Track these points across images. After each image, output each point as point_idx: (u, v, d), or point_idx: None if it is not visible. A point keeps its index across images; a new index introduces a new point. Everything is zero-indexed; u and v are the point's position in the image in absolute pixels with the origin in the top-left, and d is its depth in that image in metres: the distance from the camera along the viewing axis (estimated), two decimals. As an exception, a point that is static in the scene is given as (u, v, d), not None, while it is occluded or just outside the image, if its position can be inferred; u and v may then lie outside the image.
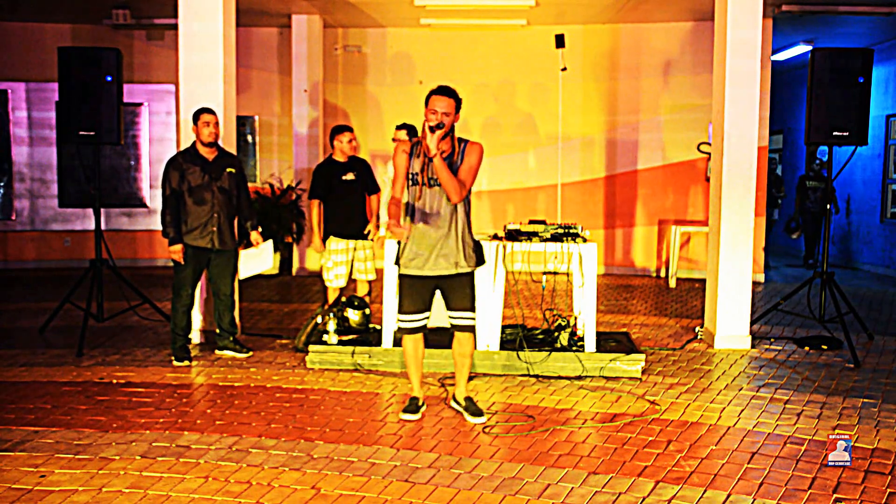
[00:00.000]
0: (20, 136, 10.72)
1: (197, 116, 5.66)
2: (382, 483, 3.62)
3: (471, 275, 4.44)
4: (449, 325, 4.51)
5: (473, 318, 4.47)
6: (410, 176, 4.33)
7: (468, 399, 4.57)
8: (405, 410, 4.53)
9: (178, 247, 5.63)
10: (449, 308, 4.46)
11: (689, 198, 10.42)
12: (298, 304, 8.18)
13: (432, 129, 4.12)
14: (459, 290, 4.40)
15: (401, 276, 4.45)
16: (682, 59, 10.30)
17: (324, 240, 6.37)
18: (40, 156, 10.76)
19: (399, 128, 6.45)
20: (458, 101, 4.24)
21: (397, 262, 4.39)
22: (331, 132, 6.35)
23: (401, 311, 4.47)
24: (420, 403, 4.59)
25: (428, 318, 4.51)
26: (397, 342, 5.68)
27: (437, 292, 4.48)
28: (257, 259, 6.10)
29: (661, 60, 10.37)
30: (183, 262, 5.67)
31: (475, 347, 4.59)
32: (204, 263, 5.81)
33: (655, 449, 4.06)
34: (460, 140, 4.32)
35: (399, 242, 4.40)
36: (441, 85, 4.24)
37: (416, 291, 4.42)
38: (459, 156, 4.28)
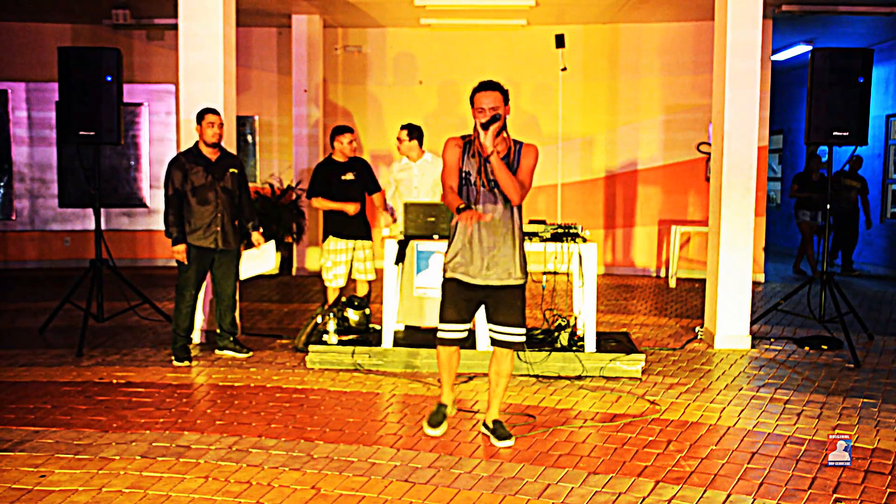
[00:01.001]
0: (20, 136, 10.72)
1: (201, 116, 5.66)
2: (382, 483, 3.62)
3: (522, 287, 4.08)
4: (490, 341, 4.18)
5: (521, 335, 4.10)
6: (464, 176, 3.98)
7: (497, 423, 4.18)
8: (430, 422, 4.24)
9: (182, 247, 5.63)
10: (492, 321, 4.09)
11: (689, 198, 10.42)
12: (298, 304, 8.18)
13: (485, 126, 3.78)
14: (509, 303, 4.04)
15: (446, 281, 4.09)
16: (682, 59, 10.30)
17: (323, 239, 6.38)
18: (40, 156, 10.76)
19: (404, 128, 6.38)
20: (505, 94, 3.91)
21: (398, 262, 4.28)
22: (331, 132, 6.35)
23: (442, 319, 4.11)
24: (447, 411, 4.32)
25: (469, 329, 4.17)
26: (397, 342, 5.69)
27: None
28: (259, 259, 6.10)
29: (661, 60, 10.37)
30: (186, 263, 5.67)
31: (513, 368, 4.22)
32: (208, 264, 5.80)
33: (655, 449, 4.06)
34: (516, 141, 4.03)
35: (450, 245, 4.06)
36: (482, 80, 3.94)
37: (462, 299, 4.06)
38: (516, 156, 3.97)
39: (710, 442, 4.17)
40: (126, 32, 10.54)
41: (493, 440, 4.12)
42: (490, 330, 4.13)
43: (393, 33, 10.70)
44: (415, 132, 6.37)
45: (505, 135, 3.96)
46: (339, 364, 5.60)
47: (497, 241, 3.97)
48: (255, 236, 5.99)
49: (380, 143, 10.62)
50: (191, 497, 3.46)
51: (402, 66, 10.72)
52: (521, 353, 5.43)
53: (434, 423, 4.24)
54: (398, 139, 6.39)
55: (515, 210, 4.00)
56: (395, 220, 6.51)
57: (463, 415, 4.59)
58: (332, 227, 6.32)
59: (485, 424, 4.24)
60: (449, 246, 4.10)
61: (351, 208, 6.19)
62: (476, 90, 3.90)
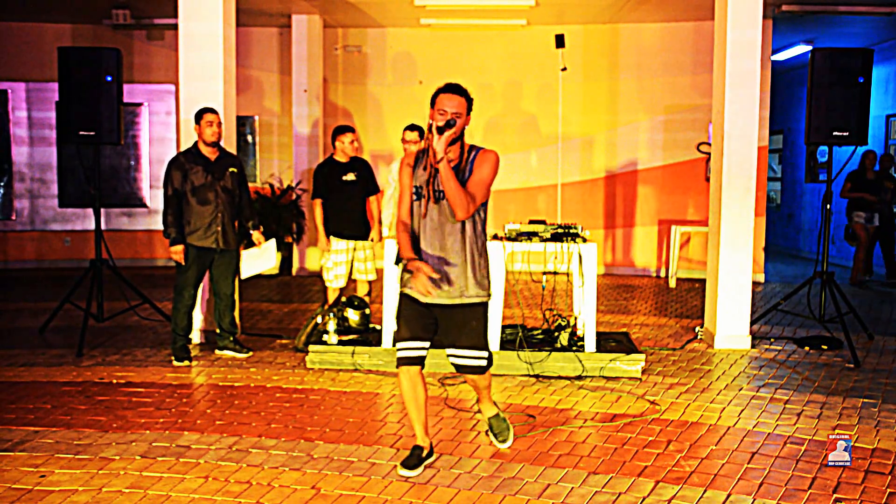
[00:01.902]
0: (20, 136, 10.72)
1: (200, 116, 5.66)
2: (382, 483, 3.62)
3: (481, 306, 3.72)
4: (452, 366, 3.84)
5: (482, 358, 3.74)
6: (415, 189, 3.67)
7: (493, 418, 4.06)
8: (404, 464, 3.73)
9: (180, 247, 5.63)
10: (450, 345, 3.76)
11: (689, 198, 10.42)
12: (298, 304, 8.18)
13: (440, 130, 3.48)
14: (462, 323, 3.69)
15: (401, 296, 3.79)
16: (682, 59, 10.30)
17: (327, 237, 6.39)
18: (40, 156, 10.76)
19: (409, 129, 6.26)
20: (470, 101, 3.62)
21: (398, 262, 4.08)
22: (333, 132, 6.35)
23: (397, 337, 3.79)
24: (424, 455, 3.80)
25: (426, 348, 3.76)
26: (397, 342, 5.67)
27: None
28: (260, 259, 6.10)
29: (661, 60, 10.37)
30: (184, 263, 5.67)
31: (490, 380, 3.91)
32: (207, 263, 5.80)
33: (655, 449, 4.06)
34: (472, 147, 3.68)
35: (399, 258, 3.73)
36: (449, 82, 3.65)
37: (416, 315, 3.72)
38: (468, 165, 3.62)
39: (710, 442, 4.17)
40: (126, 32, 10.54)
41: (494, 442, 4.06)
42: (448, 354, 3.79)
43: (393, 33, 10.70)
44: (418, 130, 6.30)
45: (461, 143, 3.64)
46: (339, 364, 5.60)
47: (447, 257, 3.64)
48: (256, 235, 5.99)
49: (380, 143, 10.62)
50: (191, 497, 3.46)
51: (401, 66, 10.72)
52: (521, 353, 5.43)
53: (408, 466, 3.75)
54: (403, 140, 6.33)
55: (470, 222, 3.64)
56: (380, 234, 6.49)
57: (463, 415, 4.59)
58: (333, 227, 6.32)
59: (489, 428, 4.10)
60: (403, 263, 3.74)
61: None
62: (440, 90, 3.60)
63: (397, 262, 3.88)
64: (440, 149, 3.48)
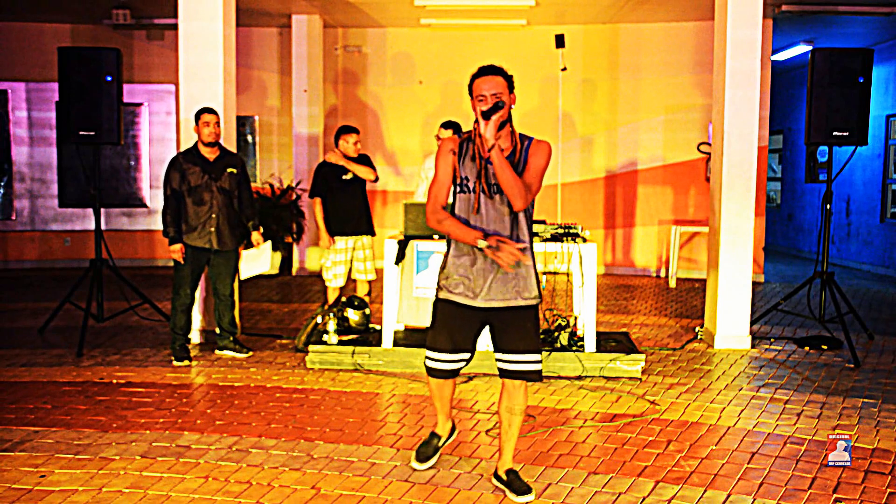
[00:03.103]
0: (20, 136, 10.72)
1: (198, 116, 5.67)
2: (382, 483, 3.62)
3: (535, 308, 3.45)
4: (500, 371, 3.46)
5: (537, 363, 3.41)
6: (460, 182, 3.35)
7: (511, 473, 3.51)
8: (418, 455, 3.74)
9: (178, 246, 5.64)
10: (501, 349, 3.41)
11: (689, 198, 10.42)
12: (298, 304, 8.18)
13: (486, 115, 3.17)
14: (518, 325, 3.38)
15: (439, 301, 3.47)
16: (682, 59, 10.30)
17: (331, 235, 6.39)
18: (40, 156, 10.76)
19: (445, 126, 6.18)
20: (509, 78, 3.35)
21: (398, 262, 3.92)
22: (337, 131, 6.35)
23: (432, 347, 3.48)
24: (440, 444, 3.78)
25: (467, 360, 3.50)
26: (397, 342, 5.68)
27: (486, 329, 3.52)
28: (257, 260, 6.11)
29: (661, 60, 10.36)
30: (183, 262, 5.68)
31: (527, 403, 3.50)
32: (203, 263, 5.81)
33: (655, 449, 4.06)
34: (524, 137, 3.41)
35: (400, 257, 3.62)
36: (482, 65, 3.37)
37: (458, 325, 3.41)
38: (522, 154, 3.34)
39: (710, 442, 4.17)
40: (126, 32, 10.54)
41: (510, 494, 3.45)
42: (500, 360, 3.43)
43: (393, 33, 10.70)
44: (453, 127, 6.27)
45: (510, 129, 3.35)
46: (339, 364, 5.60)
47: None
48: (255, 236, 5.99)
49: (380, 143, 10.62)
50: (191, 497, 3.46)
51: (401, 66, 10.72)
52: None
53: (422, 458, 3.74)
54: (438, 138, 6.25)
55: (523, 217, 3.38)
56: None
57: (463, 415, 4.59)
58: (334, 226, 6.32)
59: (496, 476, 3.56)
60: (445, 261, 3.47)
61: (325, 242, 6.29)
62: (475, 76, 3.33)
63: (398, 262, 3.81)
64: (490, 135, 3.18)
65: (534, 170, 3.33)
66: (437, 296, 3.49)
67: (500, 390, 3.51)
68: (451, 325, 3.44)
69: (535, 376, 3.42)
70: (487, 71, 3.32)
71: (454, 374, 3.52)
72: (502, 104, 3.22)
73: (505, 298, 3.37)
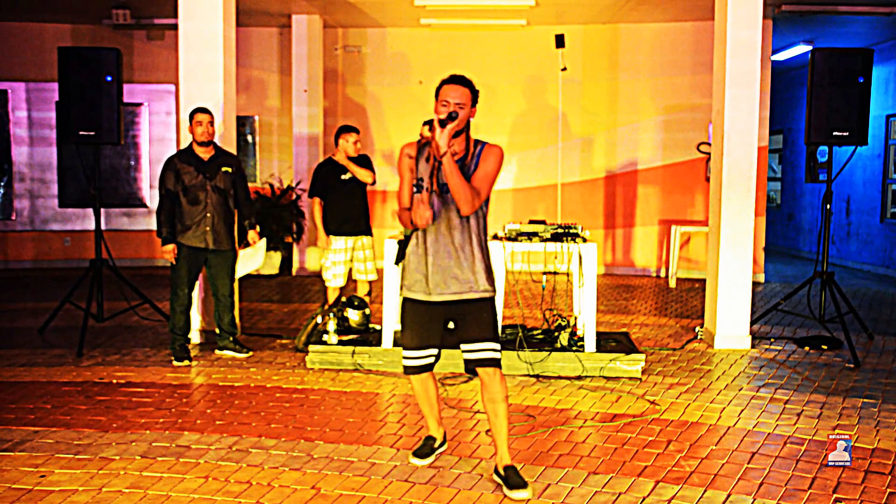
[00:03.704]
0: (20, 136, 10.72)
1: (191, 116, 5.68)
2: (382, 483, 3.62)
3: (491, 300, 3.61)
4: (465, 363, 3.62)
5: (496, 350, 3.57)
6: (416, 182, 3.56)
7: (510, 470, 3.56)
8: (416, 453, 3.89)
9: (171, 247, 5.65)
10: (464, 340, 3.59)
11: (689, 198, 10.42)
12: (298, 304, 8.18)
13: (442, 123, 3.38)
14: (474, 318, 3.57)
15: (404, 302, 3.68)
16: (682, 59, 10.30)
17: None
18: (40, 156, 10.76)
19: (427, 124, 6.21)
20: (475, 93, 3.51)
21: (398, 262, 4.00)
22: (337, 131, 6.35)
23: (403, 345, 3.71)
24: (437, 445, 3.94)
25: (436, 355, 3.71)
26: (397, 342, 5.68)
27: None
28: (252, 259, 6.11)
29: (661, 60, 10.37)
30: (176, 262, 5.68)
31: (507, 390, 3.60)
32: (200, 263, 5.81)
33: (655, 449, 4.06)
34: (476, 142, 3.59)
35: (400, 257, 3.73)
36: (454, 74, 3.54)
37: (421, 321, 3.63)
38: (474, 159, 3.53)
39: (710, 442, 4.17)
40: (126, 32, 10.54)
41: (506, 490, 3.51)
42: (464, 350, 3.60)
43: (393, 33, 10.71)
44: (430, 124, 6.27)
45: (466, 136, 3.55)
46: (339, 364, 5.60)
47: (454, 252, 3.53)
48: (252, 235, 5.99)
49: (379, 143, 10.62)
50: (191, 497, 3.46)
51: (401, 66, 10.72)
52: (521, 353, 5.43)
53: (420, 455, 3.90)
54: (421, 135, 6.26)
55: (474, 217, 3.56)
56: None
57: (463, 415, 4.59)
58: (333, 226, 6.32)
59: (496, 471, 3.64)
60: (403, 265, 3.70)
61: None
62: (445, 82, 3.50)
63: (398, 262, 3.82)
64: (443, 142, 3.37)
65: (483, 174, 3.52)
66: (401, 295, 3.70)
67: (480, 387, 3.63)
68: (415, 323, 3.65)
69: (495, 363, 3.57)
70: (457, 80, 3.50)
71: (426, 369, 3.72)
72: (456, 115, 3.40)
73: (459, 292, 3.55)
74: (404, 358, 3.71)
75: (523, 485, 3.50)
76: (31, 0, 9.42)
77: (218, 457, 3.92)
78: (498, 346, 3.59)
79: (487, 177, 3.52)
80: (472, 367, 3.59)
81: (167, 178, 5.66)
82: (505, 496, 3.48)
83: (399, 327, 6.02)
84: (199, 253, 5.75)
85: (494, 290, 3.62)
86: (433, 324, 3.64)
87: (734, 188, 6.32)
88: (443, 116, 3.41)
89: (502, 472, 3.58)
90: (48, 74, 9.92)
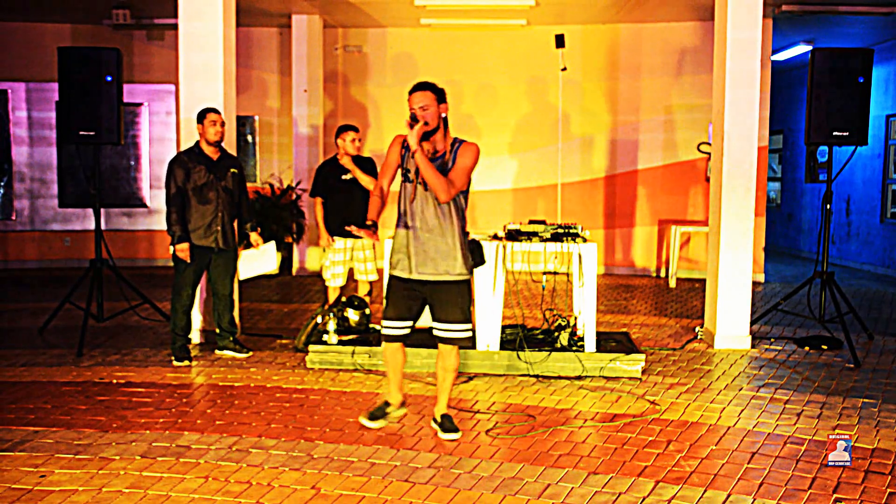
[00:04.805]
0: (20, 136, 10.72)
1: (203, 115, 5.66)
2: (382, 483, 3.62)
3: (463, 283, 4.10)
4: (435, 338, 4.19)
5: (462, 331, 4.11)
6: (404, 173, 4.10)
7: (445, 417, 4.26)
8: (370, 415, 4.34)
9: (185, 245, 5.62)
10: (435, 318, 4.13)
11: (689, 198, 10.42)
12: (298, 304, 8.18)
13: (410, 125, 3.93)
14: (446, 299, 4.07)
15: (389, 278, 4.19)
16: (683, 58, 10.30)
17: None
18: (40, 156, 10.76)
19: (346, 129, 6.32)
20: (438, 92, 4.04)
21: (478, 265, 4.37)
22: (336, 130, 6.36)
23: (383, 316, 4.21)
24: (388, 410, 4.38)
25: (410, 327, 4.20)
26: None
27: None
28: (259, 260, 6.11)
29: (662, 60, 10.37)
30: (189, 261, 5.66)
31: (458, 363, 4.25)
32: (205, 263, 5.81)
33: (655, 449, 4.06)
34: (456, 140, 4.10)
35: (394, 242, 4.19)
36: (417, 82, 4.09)
37: (400, 296, 4.13)
38: (452, 155, 4.05)
39: (710, 442, 4.17)
40: (126, 32, 10.54)
41: (440, 433, 4.20)
42: (432, 328, 4.15)
43: (393, 33, 10.71)
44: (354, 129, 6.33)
45: (443, 134, 4.06)
46: (339, 364, 5.60)
47: (432, 237, 4.02)
48: (254, 237, 5.99)
49: (379, 143, 10.61)
50: (191, 497, 3.46)
51: (402, 66, 10.72)
52: (521, 353, 5.43)
53: (372, 417, 4.34)
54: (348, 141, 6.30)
55: (453, 206, 4.04)
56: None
57: (463, 415, 4.59)
58: (333, 227, 6.32)
59: (434, 419, 4.31)
60: (391, 245, 4.21)
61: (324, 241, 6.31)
62: (410, 91, 4.07)
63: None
64: (412, 141, 3.91)
65: (459, 168, 4.01)
66: (389, 272, 4.19)
67: (437, 354, 4.25)
68: (395, 297, 4.15)
69: (466, 343, 4.15)
70: (419, 87, 4.06)
71: (401, 339, 4.21)
72: (418, 119, 3.95)
73: (435, 273, 4.04)
74: (383, 327, 4.19)
75: (455, 430, 4.19)
76: (31, 0, 9.41)
77: (218, 457, 3.92)
78: (468, 327, 4.12)
79: (464, 169, 4.01)
80: (438, 340, 4.16)
81: (177, 176, 5.63)
82: (506, 497, 3.48)
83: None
84: (206, 253, 5.75)
85: (470, 274, 4.12)
86: (409, 299, 4.13)
87: (734, 188, 6.32)
88: (411, 120, 3.97)
89: (438, 419, 4.27)
90: (48, 74, 9.91)
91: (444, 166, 4.03)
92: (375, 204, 4.13)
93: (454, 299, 4.08)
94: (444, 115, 4.06)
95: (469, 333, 4.14)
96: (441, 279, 4.05)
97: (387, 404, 4.40)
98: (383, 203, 4.17)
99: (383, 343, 4.26)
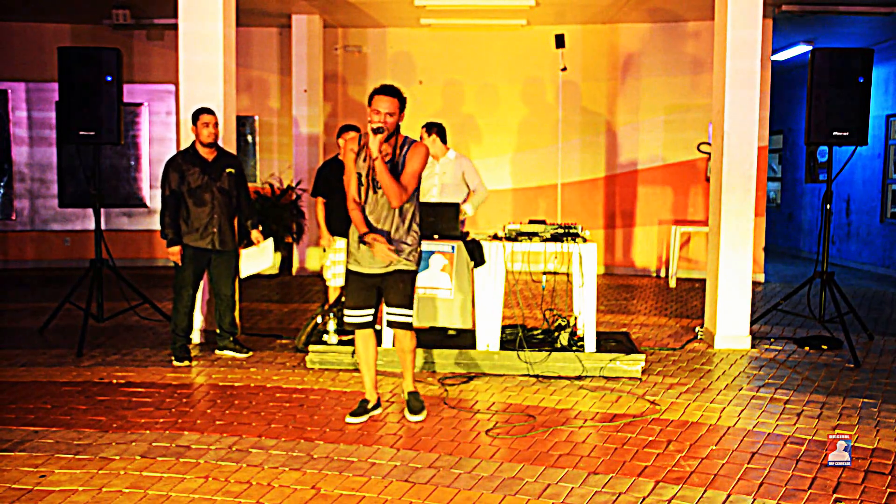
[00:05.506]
0: (20, 136, 10.72)
1: (196, 117, 5.66)
2: (382, 483, 3.62)
3: (408, 273, 4.39)
4: (386, 322, 4.50)
5: (408, 315, 4.43)
6: (357, 175, 4.27)
7: (411, 395, 4.60)
8: (352, 413, 4.49)
9: (177, 248, 5.63)
10: (386, 303, 4.45)
11: (689, 198, 10.42)
12: (298, 304, 8.18)
13: (374, 132, 4.04)
14: (394, 287, 4.37)
15: (347, 272, 4.48)
16: (682, 59, 10.30)
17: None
18: (40, 156, 10.76)
19: (424, 127, 6.33)
20: (403, 101, 4.16)
21: (361, 242, 4.49)
22: (338, 130, 6.36)
23: (346, 306, 4.47)
24: (370, 406, 4.55)
25: (372, 314, 4.48)
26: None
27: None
28: (258, 258, 6.11)
29: (661, 60, 10.36)
30: (181, 264, 5.67)
31: (416, 345, 4.60)
32: (204, 264, 5.80)
33: (655, 449, 4.06)
34: (405, 140, 4.26)
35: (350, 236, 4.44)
36: (384, 84, 4.18)
37: (357, 287, 4.42)
38: (401, 158, 4.22)
39: (710, 442, 4.17)
40: (126, 32, 10.54)
41: (407, 414, 4.51)
42: (385, 312, 4.48)
43: (393, 33, 10.71)
44: (433, 129, 6.31)
45: (395, 138, 4.21)
46: (339, 364, 5.60)
47: (382, 234, 4.27)
48: (255, 234, 5.99)
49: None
50: (191, 497, 3.46)
51: (401, 66, 10.72)
52: (521, 353, 5.43)
53: (356, 414, 4.50)
54: (420, 138, 6.30)
55: (407, 203, 4.29)
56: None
57: (463, 415, 4.59)
58: (334, 227, 6.32)
59: (404, 391, 4.65)
60: (348, 243, 4.49)
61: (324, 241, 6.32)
62: (376, 91, 4.12)
63: (360, 242, 4.31)
64: (374, 149, 4.05)
65: (408, 172, 4.21)
66: (346, 267, 4.50)
67: (394, 338, 4.58)
68: (355, 289, 4.44)
69: (405, 326, 4.44)
70: (387, 91, 4.12)
71: (366, 325, 4.46)
72: (382, 130, 4.05)
73: (385, 266, 4.34)
74: (346, 316, 4.46)
75: (420, 410, 4.50)
76: (31, 0, 9.41)
77: (218, 457, 3.92)
78: (410, 312, 4.44)
79: (414, 174, 4.22)
80: (389, 325, 4.45)
81: (171, 178, 5.63)
82: (506, 497, 3.48)
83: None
84: (204, 254, 5.74)
85: (415, 266, 4.41)
86: (367, 290, 4.43)
87: (734, 188, 6.32)
88: (374, 126, 4.05)
89: (406, 397, 4.59)
90: (48, 74, 9.92)
91: (395, 168, 4.22)
92: (359, 216, 4.29)
93: (399, 286, 4.38)
94: (400, 122, 4.22)
95: (410, 319, 4.43)
96: (388, 270, 4.35)
97: (365, 402, 4.57)
98: (363, 210, 4.31)
99: (355, 334, 4.50)
